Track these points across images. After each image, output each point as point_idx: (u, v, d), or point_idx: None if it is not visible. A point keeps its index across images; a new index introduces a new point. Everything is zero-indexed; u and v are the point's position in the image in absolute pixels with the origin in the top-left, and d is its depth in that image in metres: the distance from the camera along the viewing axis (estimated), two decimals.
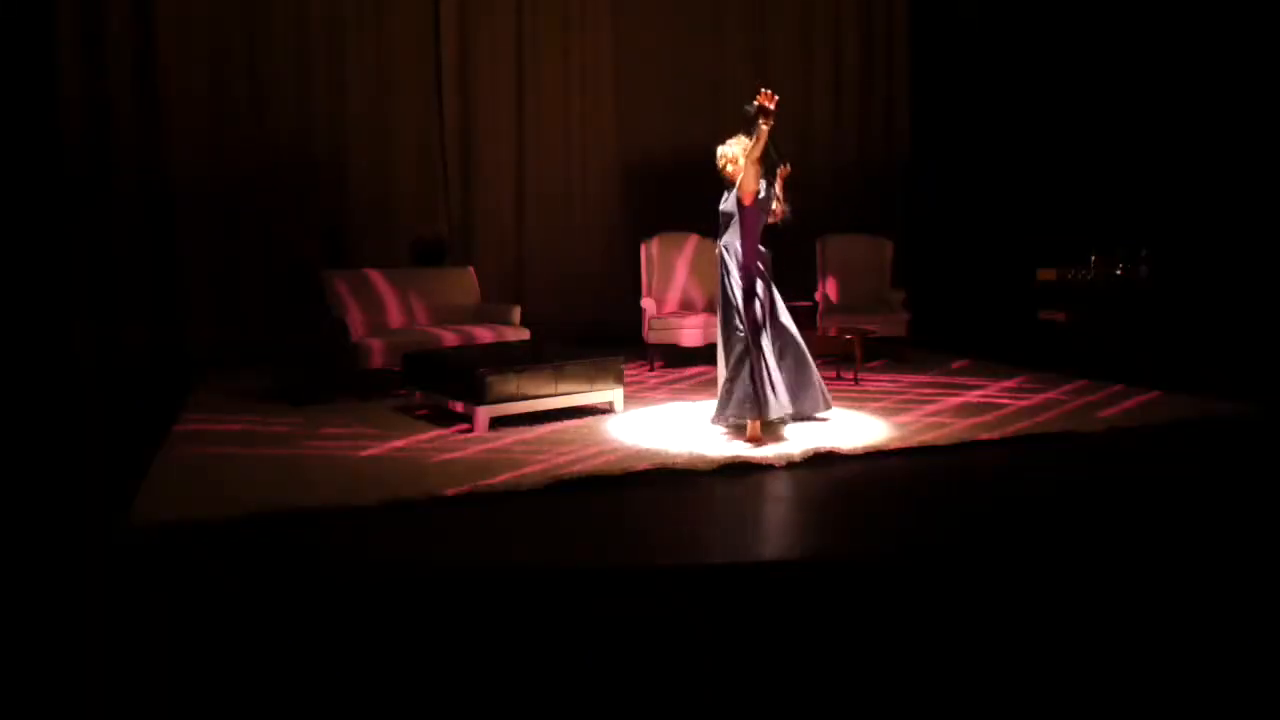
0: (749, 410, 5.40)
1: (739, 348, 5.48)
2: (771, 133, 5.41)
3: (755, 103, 5.36)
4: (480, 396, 5.73)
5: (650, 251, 8.32)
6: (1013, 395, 6.75)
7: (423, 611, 3.45)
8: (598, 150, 9.48)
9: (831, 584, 3.70)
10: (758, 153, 5.46)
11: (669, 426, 5.86)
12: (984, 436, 5.63)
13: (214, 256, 8.25)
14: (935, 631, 3.30)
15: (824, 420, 5.93)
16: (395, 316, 7.40)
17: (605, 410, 6.29)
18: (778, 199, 5.73)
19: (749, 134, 5.55)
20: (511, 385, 5.84)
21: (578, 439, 5.60)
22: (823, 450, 5.24)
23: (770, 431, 5.52)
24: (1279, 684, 2.96)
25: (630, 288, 8.67)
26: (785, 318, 5.81)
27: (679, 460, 5.05)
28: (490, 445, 5.46)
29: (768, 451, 5.18)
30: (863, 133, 10.39)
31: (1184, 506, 4.57)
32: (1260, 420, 6.05)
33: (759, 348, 5.47)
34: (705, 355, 7.72)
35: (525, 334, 7.38)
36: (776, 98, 5.34)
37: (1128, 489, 4.86)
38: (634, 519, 4.43)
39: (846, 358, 7.43)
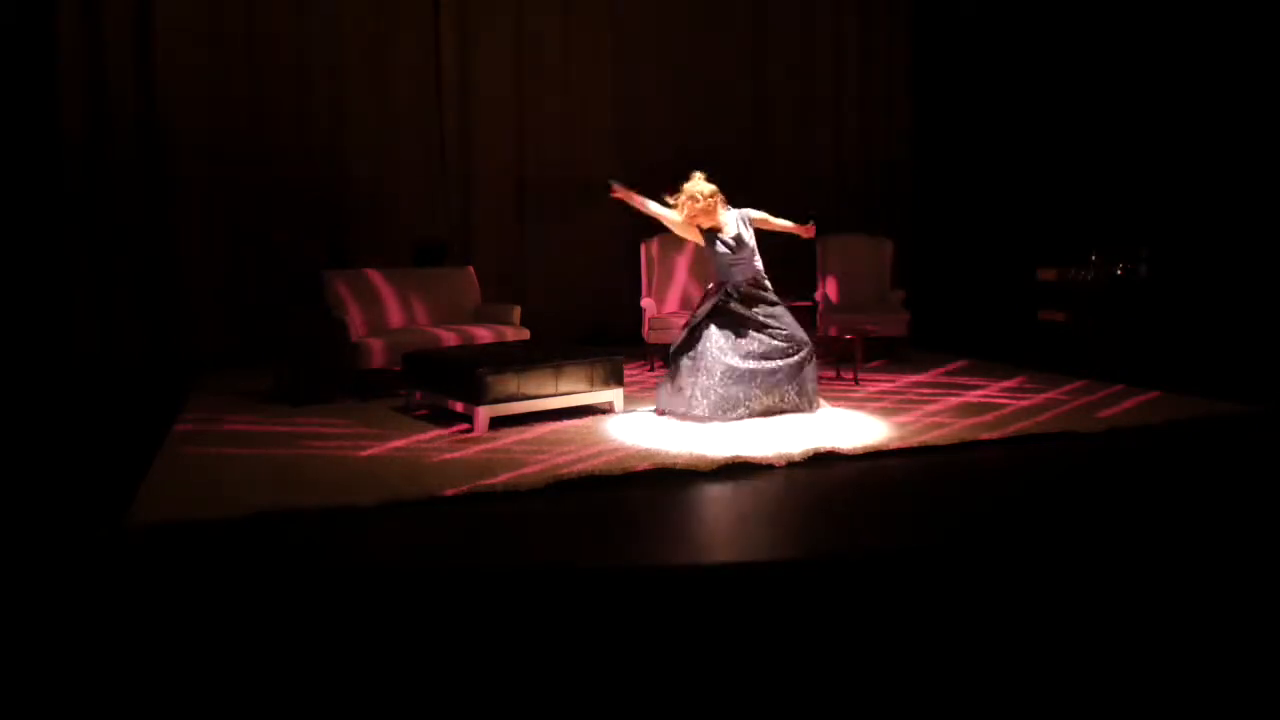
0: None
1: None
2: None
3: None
4: (480, 396, 5.73)
5: (650, 251, 8.32)
6: (1013, 395, 6.75)
7: (423, 611, 3.45)
8: (598, 150, 9.48)
9: (831, 584, 3.70)
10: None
11: (669, 426, 5.86)
12: (984, 436, 5.63)
13: (214, 256, 8.27)
14: (935, 631, 3.30)
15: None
16: (395, 316, 7.40)
17: (605, 410, 6.29)
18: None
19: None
20: (511, 385, 5.84)
21: (578, 439, 5.60)
22: (823, 450, 5.25)
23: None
24: (1279, 684, 2.96)
25: (630, 288, 8.67)
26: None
27: (679, 460, 5.05)
28: (490, 445, 5.46)
29: (768, 451, 5.18)
30: (863, 133, 10.40)
31: (1184, 506, 4.57)
32: (1260, 420, 6.05)
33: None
34: None
35: (525, 334, 7.38)
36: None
37: (1128, 489, 4.86)
38: (634, 519, 4.43)
39: (846, 358, 7.43)
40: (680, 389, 6.02)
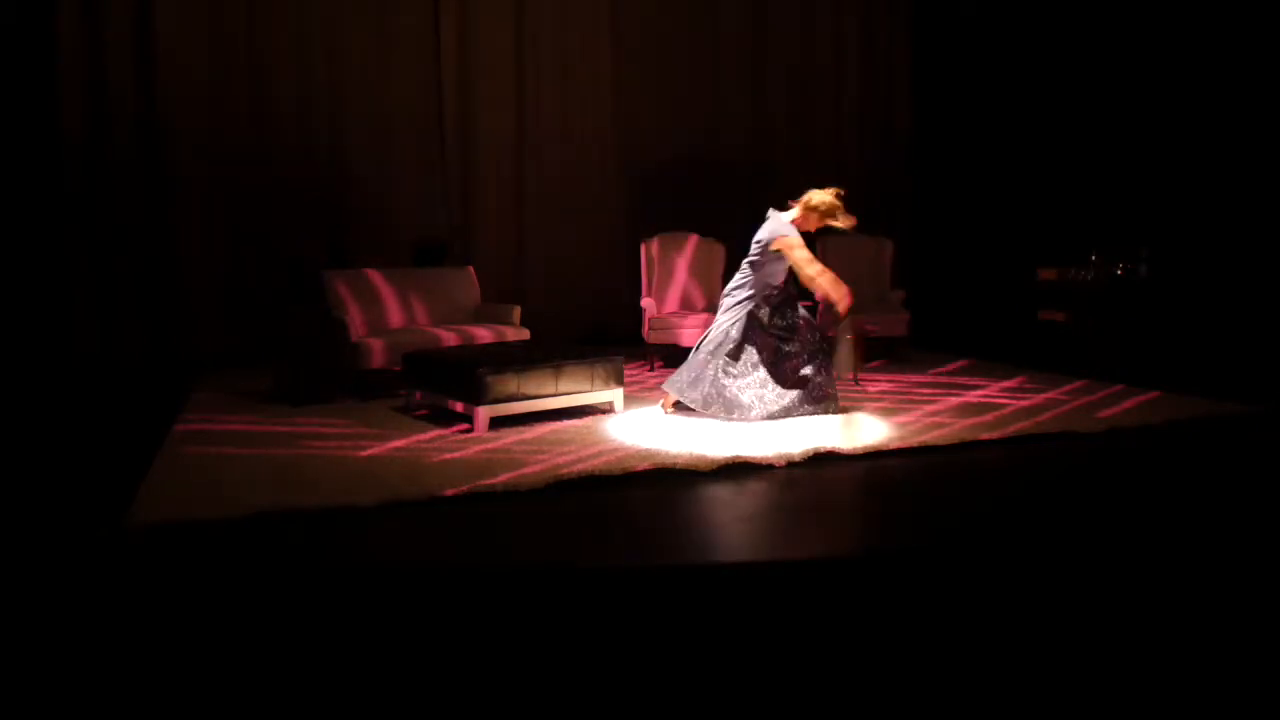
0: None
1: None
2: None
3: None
4: (480, 396, 5.73)
5: (650, 251, 8.32)
6: (1013, 395, 6.75)
7: (423, 611, 3.45)
8: (597, 150, 9.49)
9: (831, 584, 3.70)
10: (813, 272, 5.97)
11: (669, 426, 5.86)
12: (984, 436, 5.63)
13: (214, 256, 8.27)
14: (935, 631, 3.30)
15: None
16: (395, 316, 7.40)
17: (605, 410, 6.29)
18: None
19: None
20: (511, 385, 5.84)
21: (578, 439, 5.60)
22: (823, 450, 5.25)
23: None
24: (1279, 684, 2.96)
25: (630, 288, 8.67)
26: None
27: (679, 460, 5.05)
28: (490, 445, 5.46)
29: (768, 451, 5.18)
30: (863, 133, 10.40)
31: (1184, 506, 4.57)
32: (1261, 420, 6.05)
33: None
34: None
35: (525, 334, 7.38)
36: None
37: (1128, 489, 4.86)
38: (634, 519, 4.43)
39: None
40: (698, 381, 6.03)
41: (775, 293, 6.11)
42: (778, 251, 5.99)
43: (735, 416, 5.88)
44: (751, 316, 6.05)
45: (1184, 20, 8.16)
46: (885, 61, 10.42)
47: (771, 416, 5.91)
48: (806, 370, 6.05)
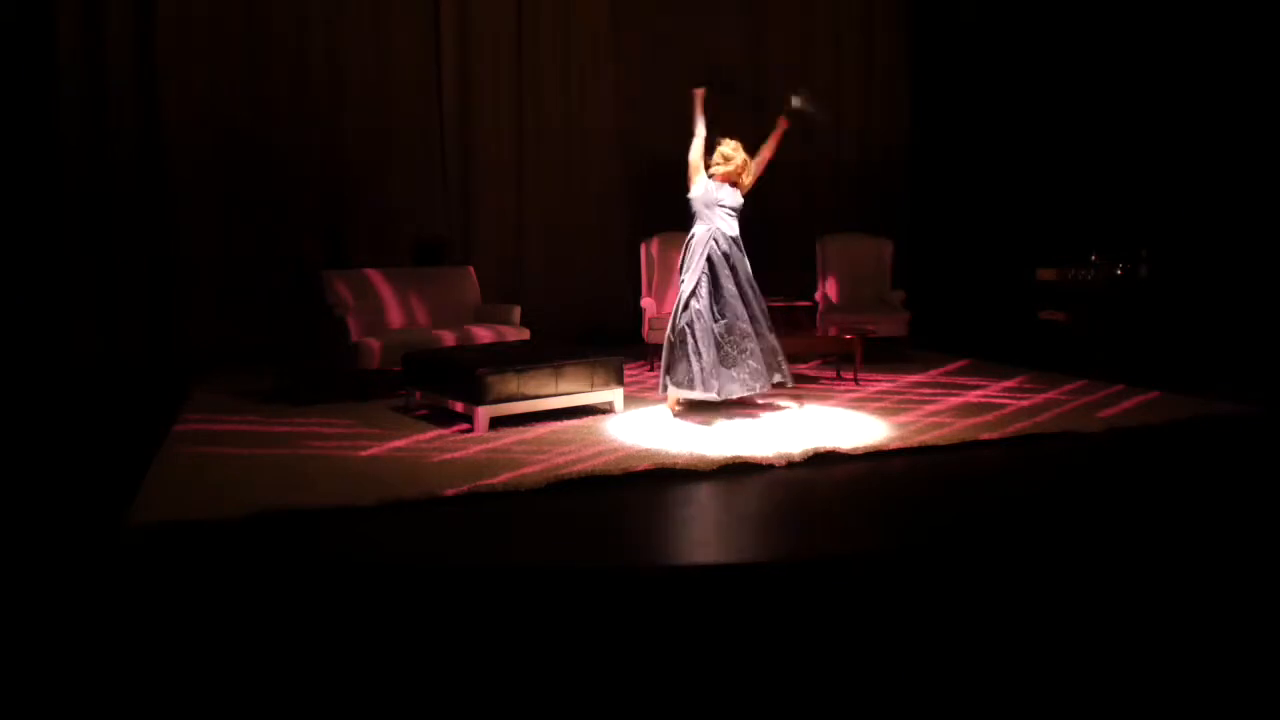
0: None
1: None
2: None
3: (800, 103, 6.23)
4: (480, 396, 5.73)
5: (650, 251, 8.33)
6: (1013, 395, 6.75)
7: (422, 611, 3.45)
8: (597, 150, 9.50)
9: (832, 584, 3.70)
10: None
11: (669, 426, 5.86)
12: (984, 436, 5.63)
13: (213, 256, 8.27)
14: (935, 631, 3.30)
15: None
16: (395, 316, 7.40)
17: (605, 410, 6.29)
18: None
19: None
20: (511, 385, 5.84)
21: (578, 439, 5.60)
22: (823, 450, 5.25)
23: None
24: (1279, 684, 2.96)
25: (630, 288, 8.67)
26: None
27: (679, 460, 5.05)
28: (490, 445, 5.46)
29: (768, 451, 5.18)
30: (863, 133, 10.40)
31: (1184, 506, 4.57)
32: (1260, 420, 6.05)
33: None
34: None
35: (525, 334, 7.38)
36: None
37: (1128, 489, 4.86)
38: (634, 519, 4.43)
39: (846, 358, 7.43)
40: (685, 361, 5.93)
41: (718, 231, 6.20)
42: (708, 189, 6.40)
43: (702, 392, 5.84)
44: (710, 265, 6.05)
45: (1182, 21, 8.16)
46: (884, 63, 10.42)
47: (727, 395, 5.89)
48: (752, 351, 6.00)
